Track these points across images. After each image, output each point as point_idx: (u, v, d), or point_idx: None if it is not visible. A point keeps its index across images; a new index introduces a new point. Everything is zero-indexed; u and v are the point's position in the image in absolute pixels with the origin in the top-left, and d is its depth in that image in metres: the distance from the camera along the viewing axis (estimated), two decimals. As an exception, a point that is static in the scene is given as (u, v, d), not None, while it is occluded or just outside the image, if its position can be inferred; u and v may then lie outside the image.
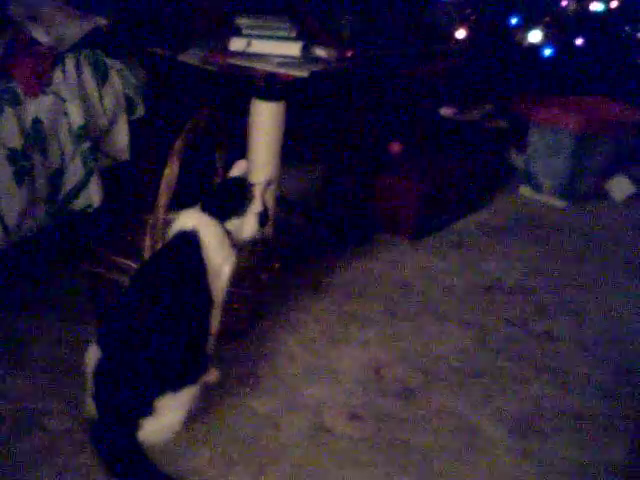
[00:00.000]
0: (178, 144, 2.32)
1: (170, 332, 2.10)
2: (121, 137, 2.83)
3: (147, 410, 2.06)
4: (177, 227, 2.27)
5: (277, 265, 2.78)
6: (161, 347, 2.08)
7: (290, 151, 3.04)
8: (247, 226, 2.33)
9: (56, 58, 2.61)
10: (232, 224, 2.30)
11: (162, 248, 2.31)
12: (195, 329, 2.17)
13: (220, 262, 2.25)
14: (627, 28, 4.38)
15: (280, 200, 3.03)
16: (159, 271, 2.23)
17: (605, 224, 4.05)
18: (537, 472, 2.25)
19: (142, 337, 2.09)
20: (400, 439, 2.32)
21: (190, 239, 2.22)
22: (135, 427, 2.07)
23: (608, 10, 4.32)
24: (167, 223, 2.32)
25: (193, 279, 2.19)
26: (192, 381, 2.12)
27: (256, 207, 2.33)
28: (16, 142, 2.44)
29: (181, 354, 2.11)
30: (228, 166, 2.46)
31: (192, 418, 2.19)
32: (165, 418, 2.09)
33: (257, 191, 2.34)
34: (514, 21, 4.33)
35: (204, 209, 2.28)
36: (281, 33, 3.09)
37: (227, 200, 2.34)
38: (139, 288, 2.21)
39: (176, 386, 2.08)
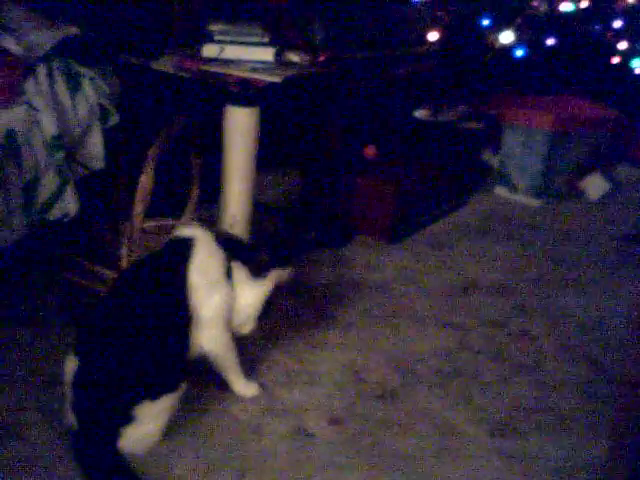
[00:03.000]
0: (153, 152, 2.32)
1: (146, 341, 2.10)
2: (95, 146, 2.81)
3: (126, 419, 2.06)
4: (176, 234, 2.27)
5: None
6: (138, 356, 2.08)
7: (266, 156, 3.04)
8: (252, 290, 2.36)
9: (27, 68, 2.59)
10: (238, 266, 2.31)
11: (148, 256, 2.30)
12: (173, 339, 2.16)
13: (205, 284, 2.23)
14: (597, 27, 4.42)
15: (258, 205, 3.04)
16: (138, 280, 2.22)
17: (581, 223, 4.07)
18: (518, 472, 2.26)
19: (119, 346, 2.08)
20: (381, 442, 2.33)
21: (182, 249, 2.22)
22: (115, 436, 2.07)
23: (578, 10, 4.35)
24: (143, 231, 2.32)
25: (170, 291, 2.19)
26: (171, 389, 2.12)
27: (268, 284, 2.38)
28: (-11, 153, 2.42)
29: (158, 363, 2.10)
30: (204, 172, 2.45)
31: (173, 425, 2.19)
32: (145, 426, 2.09)
33: (272, 275, 2.38)
34: (486, 23, 4.35)
35: (220, 241, 2.29)
36: (254, 39, 3.09)
37: (251, 247, 2.39)
38: (117, 297, 2.20)
39: (155, 394, 2.08)
